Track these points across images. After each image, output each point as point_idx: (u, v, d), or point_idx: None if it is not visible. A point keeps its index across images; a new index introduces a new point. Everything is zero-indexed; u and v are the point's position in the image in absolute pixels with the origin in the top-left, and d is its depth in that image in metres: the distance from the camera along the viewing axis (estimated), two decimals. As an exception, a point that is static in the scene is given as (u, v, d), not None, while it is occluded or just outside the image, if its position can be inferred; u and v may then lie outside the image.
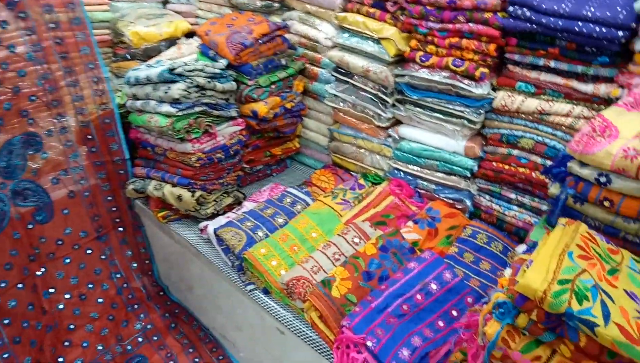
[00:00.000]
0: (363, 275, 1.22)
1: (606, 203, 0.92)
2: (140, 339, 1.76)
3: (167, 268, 1.92)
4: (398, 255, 1.27)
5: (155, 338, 1.77)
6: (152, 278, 1.95)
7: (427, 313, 1.13)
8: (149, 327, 1.80)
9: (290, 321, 1.28)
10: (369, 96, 1.64)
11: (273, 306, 1.32)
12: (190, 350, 1.72)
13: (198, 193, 1.62)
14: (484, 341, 0.85)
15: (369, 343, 1.04)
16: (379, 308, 1.12)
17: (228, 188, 1.74)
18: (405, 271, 1.19)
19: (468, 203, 1.49)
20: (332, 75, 1.74)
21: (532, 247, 1.06)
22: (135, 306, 1.85)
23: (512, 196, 1.41)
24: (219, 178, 1.69)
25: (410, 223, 1.45)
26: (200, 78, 1.57)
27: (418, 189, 1.61)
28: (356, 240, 1.35)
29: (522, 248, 1.09)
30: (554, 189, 1.02)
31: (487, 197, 1.48)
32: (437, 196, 1.56)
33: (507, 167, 1.38)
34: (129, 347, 1.73)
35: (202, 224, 1.57)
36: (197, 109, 1.57)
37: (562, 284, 0.76)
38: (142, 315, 1.84)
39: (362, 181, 1.71)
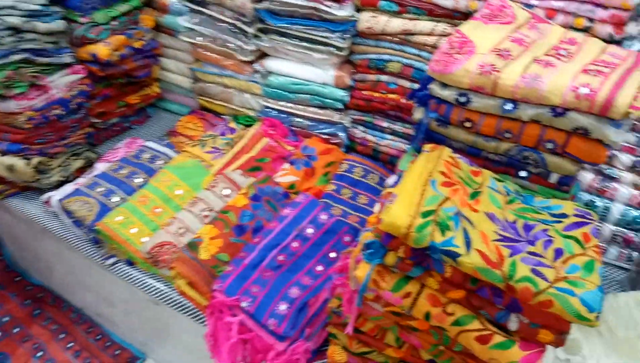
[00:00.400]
0: (234, 230, 1.11)
1: (467, 124, 0.88)
2: (-3, 335, 1.53)
3: (20, 250, 1.66)
4: (272, 203, 1.18)
5: (17, 330, 1.54)
6: (4, 264, 1.67)
7: (305, 260, 1.06)
8: (5, 319, 1.55)
9: (163, 291, 1.15)
10: (227, 27, 1.45)
11: (140, 278, 1.17)
12: (62, 336, 1.53)
13: (35, 160, 1.36)
14: (356, 284, 0.80)
15: (243, 304, 0.96)
16: (253, 264, 1.03)
17: (76, 149, 1.49)
18: (280, 219, 1.10)
19: (343, 136, 1.42)
20: (185, 5, 1.51)
21: (400, 176, 1.02)
22: (-14, 300, 1.59)
23: (385, 124, 1.36)
24: (61, 139, 1.43)
25: (286, 165, 1.35)
26: (12, 18, 1.26)
27: (292, 128, 1.51)
28: (226, 192, 1.23)
29: (392, 179, 1.04)
30: (418, 113, 0.96)
31: (361, 128, 1.42)
32: (312, 132, 1.47)
33: (377, 94, 1.32)
34: (-16, 347, 1.50)
35: (45, 196, 1.33)
36: (15, 57, 1.28)
37: (425, 216, 0.71)
38: (-4, 308, 1.58)
39: (232, 125, 1.56)
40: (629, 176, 1.06)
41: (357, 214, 1.23)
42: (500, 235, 0.73)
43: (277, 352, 0.92)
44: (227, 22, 1.43)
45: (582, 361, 0.84)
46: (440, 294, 0.74)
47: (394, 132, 1.36)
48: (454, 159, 0.86)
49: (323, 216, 1.12)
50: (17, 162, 1.34)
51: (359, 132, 1.42)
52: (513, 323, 0.70)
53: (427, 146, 0.90)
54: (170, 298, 1.13)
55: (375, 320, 0.84)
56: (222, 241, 1.08)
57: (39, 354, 1.49)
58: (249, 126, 1.54)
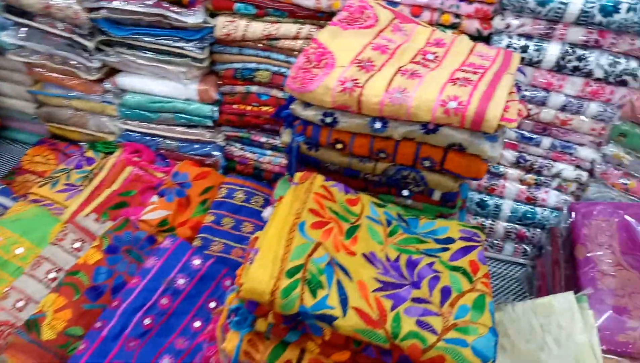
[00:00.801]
0: (88, 295, 0.91)
1: (338, 145, 0.78)
2: None
3: None
4: (134, 252, 0.99)
5: None
6: None
7: (178, 318, 0.90)
8: None
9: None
10: (63, 41, 1.21)
11: (-24, 367, 0.94)
12: None
13: None
14: (226, 358, 0.66)
15: (102, 391, 0.78)
16: (113, 334, 0.85)
17: None
18: (143, 272, 0.93)
19: (218, 155, 1.26)
20: (6, 18, 1.24)
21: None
22: None
23: (263, 139, 1.23)
24: None
25: (154, 198, 1.17)
26: None
27: (160, 151, 1.32)
28: (77, 245, 1.02)
29: (268, 212, 0.91)
30: (285, 136, 0.84)
31: (238, 145, 1.27)
32: (183, 154, 1.29)
33: (249, 108, 1.18)
34: None
35: None
36: None
37: (291, 275, 0.59)
38: None
39: (90, 154, 1.33)
40: (514, 173, 1.03)
41: (242, 246, 1.09)
42: (381, 281, 0.63)
43: None
44: (61, 36, 1.20)
45: None
46: (324, 357, 0.63)
47: (274, 148, 1.24)
48: (327, 189, 0.75)
49: (196, 261, 0.96)
50: None
51: (236, 150, 1.27)
52: (408, 382, 0.61)
53: (297, 176, 0.78)
54: (18, 388, 0.92)
55: (260, 388, 0.72)
56: (71, 312, 0.88)
57: None
58: (110, 153, 1.33)
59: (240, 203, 1.17)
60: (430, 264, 0.67)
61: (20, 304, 0.92)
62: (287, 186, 0.93)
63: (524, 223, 1.07)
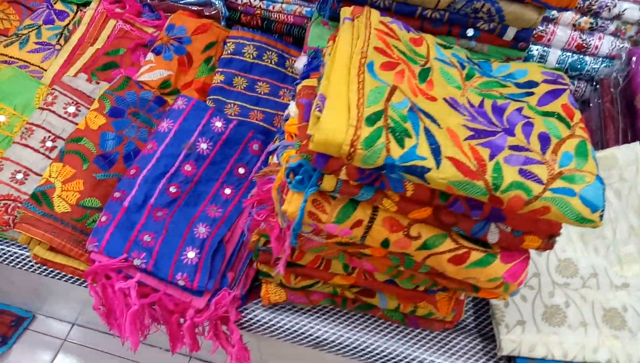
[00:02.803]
0: (98, 164, 0.80)
1: (398, -30, 0.63)
2: None
3: None
4: (142, 115, 0.86)
5: None
6: None
7: (206, 186, 0.81)
8: None
9: (20, 255, 0.85)
10: None
11: (-22, 246, 0.85)
12: None
13: None
14: (287, 221, 0.59)
15: (136, 262, 0.71)
16: (136, 205, 0.76)
17: None
18: (159, 136, 0.81)
19: (218, 4, 1.07)
20: None
21: (313, 57, 0.76)
22: None
23: (273, -19, 1.04)
24: None
25: (150, 56, 1.00)
26: None
27: (147, 1, 1.11)
28: (71, 109, 0.87)
29: (301, 61, 0.78)
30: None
31: (242, -9, 1.07)
32: (175, 4, 1.09)
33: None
34: None
35: None
36: None
37: (372, 123, 0.49)
38: None
39: (59, 6, 1.11)
40: (569, 16, 0.91)
41: (260, 108, 0.97)
42: (471, 129, 0.54)
43: (197, 309, 0.73)
44: None
45: (580, 282, 0.75)
46: (400, 216, 0.56)
47: (286, -8, 1.05)
48: (387, 25, 0.62)
49: (218, 123, 0.84)
50: None
51: (239, -3, 1.08)
52: (493, 235, 0.56)
53: (347, 11, 0.64)
54: (33, 264, 0.84)
55: (316, 251, 0.66)
56: (82, 183, 0.78)
57: None
58: (84, 5, 1.11)
59: (252, 60, 1.02)
60: (519, 109, 0.58)
61: (19, 176, 0.80)
62: (322, 30, 0.79)
63: (569, 75, 0.98)
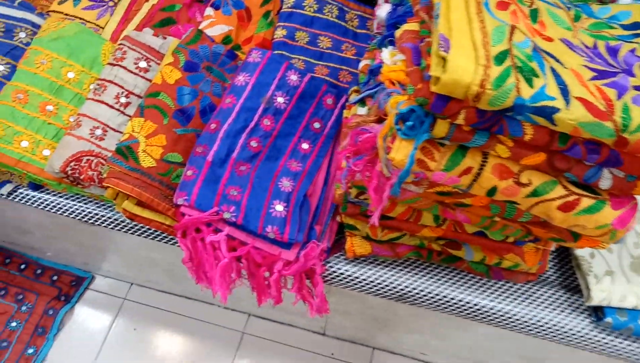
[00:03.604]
0: (176, 118, 0.80)
1: None
2: None
3: None
4: (215, 70, 0.85)
5: None
6: None
7: (285, 140, 0.81)
8: None
9: (95, 213, 0.86)
10: None
11: (58, 202, 0.86)
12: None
13: None
14: (393, 170, 0.59)
15: (226, 216, 0.72)
16: (219, 159, 0.76)
17: None
18: (236, 90, 0.80)
19: (277, -45, 1.04)
20: None
21: (398, 4, 0.74)
22: None
23: None
24: None
25: (209, 11, 0.98)
26: None
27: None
28: (142, 64, 0.86)
29: (385, 9, 0.76)
30: None
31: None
32: (230, -44, 1.06)
33: None
34: None
35: None
36: None
37: (500, 62, 0.48)
38: None
39: (111, -39, 1.08)
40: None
41: (324, 63, 0.96)
42: (593, 69, 0.53)
43: (286, 262, 0.73)
44: None
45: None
46: (511, 163, 0.56)
47: (347, -59, 1.01)
48: (491, -35, 0.60)
49: (293, 77, 0.83)
50: None
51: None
52: (606, 181, 0.55)
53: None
54: (109, 219, 0.85)
55: (409, 202, 0.66)
56: (165, 138, 0.78)
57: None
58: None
59: (312, 14, 0.99)
60: (632, 50, 0.56)
61: (98, 132, 0.80)
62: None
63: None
